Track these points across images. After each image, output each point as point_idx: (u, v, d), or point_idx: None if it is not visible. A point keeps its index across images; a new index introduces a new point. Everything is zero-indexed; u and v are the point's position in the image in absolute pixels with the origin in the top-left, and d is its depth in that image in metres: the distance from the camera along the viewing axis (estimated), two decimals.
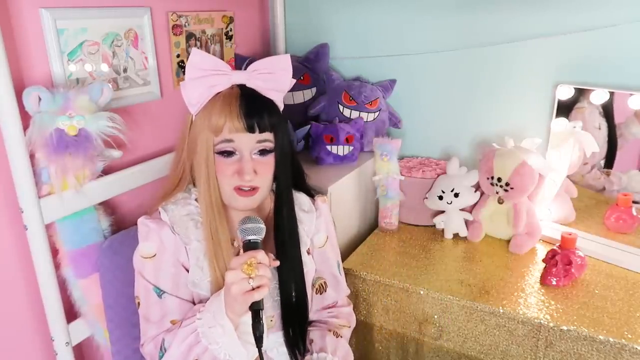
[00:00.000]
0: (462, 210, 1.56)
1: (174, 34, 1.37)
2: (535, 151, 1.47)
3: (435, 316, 1.32)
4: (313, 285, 1.12)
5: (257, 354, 0.89)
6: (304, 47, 1.82)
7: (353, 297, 1.39)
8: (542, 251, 1.46)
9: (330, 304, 1.15)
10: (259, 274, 0.84)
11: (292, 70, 0.98)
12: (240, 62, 1.52)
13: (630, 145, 1.44)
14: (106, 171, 1.17)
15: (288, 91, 1.01)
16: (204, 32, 1.48)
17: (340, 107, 1.70)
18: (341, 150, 1.59)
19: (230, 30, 1.58)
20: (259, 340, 0.85)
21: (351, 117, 1.68)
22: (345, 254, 1.48)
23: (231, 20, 1.57)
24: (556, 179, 1.51)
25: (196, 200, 1.00)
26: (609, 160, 1.48)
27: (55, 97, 1.02)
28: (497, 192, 1.48)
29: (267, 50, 1.81)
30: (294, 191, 1.07)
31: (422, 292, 1.32)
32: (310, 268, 1.08)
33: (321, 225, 1.12)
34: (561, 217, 1.54)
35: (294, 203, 1.04)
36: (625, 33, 1.38)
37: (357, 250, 1.53)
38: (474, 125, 1.68)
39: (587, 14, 1.42)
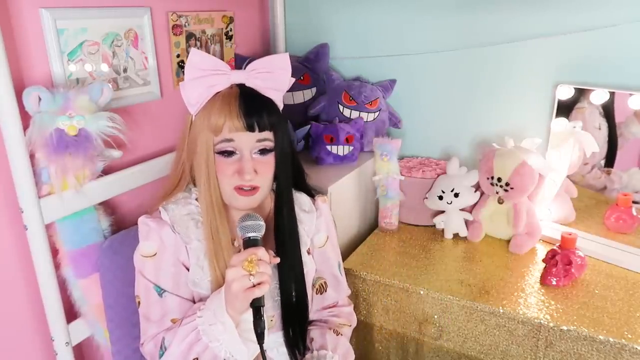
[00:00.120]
0: (462, 210, 1.56)
1: (174, 34, 1.37)
2: (535, 151, 1.47)
3: (435, 316, 1.32)
4: (313, 285, 1.12)
5: (257, 352, 0.89)
6: (304, 47, 1.82)
7: (353, 297, 1.39)
8: (542, 251, 1.46)
9: (331, 304, 1.15)
10: (260, 270, 0.85)
11: (291, 69, 0.98)
12: (240, 62, 1.52)
13: (630, 145, 1.45)
14: (106, 171, 1.17)
15: (288, 91, 1.02)
16: (204, 32, 1.48)
17: (340, 107, 1.70)
18: (341, 150, 1.59)
19: (230, 30, 1.58)
20: (260, 337, 0.85)
21: (351, 117, 1.68)
22: (345, 254, 1.48)
23: (231, 20, 1.57)
24: (556, 179, 1.51)
25: (196, 199, 1.00)
26: (609, 160, 1.48)
27: (55, 97, 1.02)
28: (497, 192, 1.48)
29: (267, 50, 1.81)
30: (294, 191, 1.07)
31: (422, 292, 1.32)
32: (310, 268, 1.08)
33: (321, 225, 1.12)
34: (561, 217, 1.54)
35: (294, 203, 1.05)
36: (625, 33, 1.38)
37: (357, 250, 1.53)
38: (474, 125, 1.68)
39: (587, 14, 1.42)
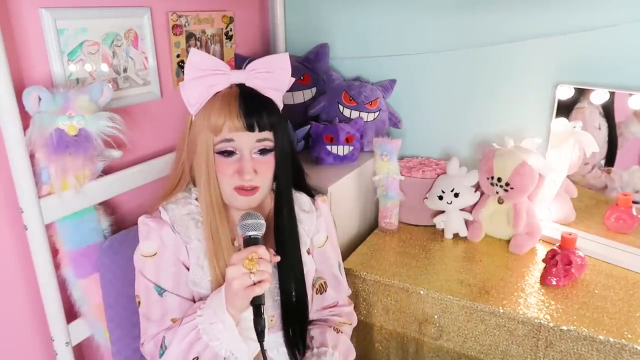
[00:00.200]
0: (462, 210, 1.56)
1: (174, 34, 1.37)
2: (535, 151, 1.47)
3: (435, 316, 1.32)
4: (313, 285, 1.12)
5: (257, 350, 0.89)
6: (304, 47, 1.82)
7: (353, 297, 1.39)
8: (542, 251, 1.46)
9: (331, 304, 1.15)
10: (260, 268, 0.85)
11: (290, 69, 0.98)
12: (241, 62, 1.52)
13: (630, 145, 1.45)
14: (106, 171, 1.17)
15: (288, 91, 1.02)
16: (204, 32, 1.48)
17: (340, 107, 1.70)
18: (341, 150, 1.59)
19: (230, 30, 1.58)
20: (260, 335, 0.86)
21: (351, 117, 1.68)
22: (345, 254, 1.48)
23: (231, 20, 1.57)
24: (556, 179, 1.51)
25: (196, 199, 1.00)
26: (609, 160, 1.48)
27: (55, 97, 1.02)
28: (497, 192, 1.48)
29: (267, 50, 1.81)
30: (294, 191, 1.07)
31: (422, 292, 1.32)
32: (310, 268, 1.08)
33: (321, 225, 1.12)
34: (561, 217, 1.54)
35: (293, 203, 1.05)
36: (625, 33, 1.38)
37: (357, 250, 1.53)
38: (474, 125, 1.68)
39: (587, 14, 1.42)
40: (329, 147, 1.59)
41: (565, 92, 1.46)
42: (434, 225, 1.61)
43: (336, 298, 1.15)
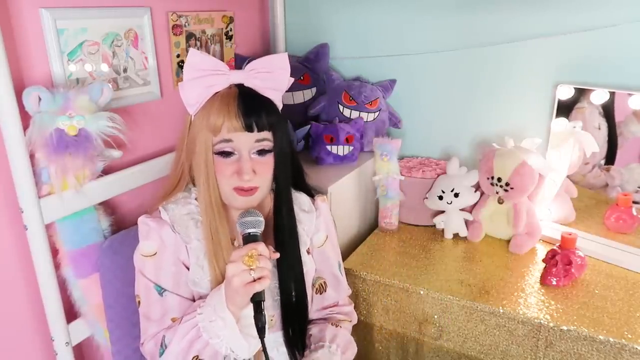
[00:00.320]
0: (462, 210, 1.56)
1: (174, 34, 1.37)
2: (535, 151, 1.47)
3: (435, 316, 1.32)
4: (313, 285, 1.12)
5: (258, 347, 0.89)
6: (304, 47, 1.82)
7: (353, 297, 1.39)
8: (542, 251, 1.46)
9: (331, 304, 1.15)
10: (260, 265, 0.85)
11: (290, 69, 0.98)
12: (240, 62, 1.52)
13: (630, 144, 1.44)
14: (106, 171, 1.17)
15: (288, 91, 1.01)
16: (204, 32, 1.48)
17: (340, 107, 1.70)
18: (341, 150, 1.59)
19: (230, 30, 1.58)
20: (261, 331, 0.86)
21: (351, 117, 1.68)
22: (345, 254, 1.48)
23: (231, 20, 1.57)
24: (556, 179, 1.51)
25: (196, 199, 1.00)
26: (609, 160, 1.48)
27: (55, 97, 1.02)
28: (497, 192, 1.48)
29: (267, 50, 1.81)
30: (294, 191, 1.07)
31: (422, 292, 1.32)
32: (310, 268, 1.08)
33: (321, 224, 1.12)
34: (561, 217, 1.54)
35: (293, 202, 1.05)
36: (625, 33, 1.38)
37: (357, 250, 1.53)
38: (474, 125, 1.68)
39: (587, 14, 1.42)
40: (329, 147, 1.59)
41: (565, 92, 1.46)
42: (434, 225, 1.61)
43: (336, 298, 1.15)
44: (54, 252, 1.10)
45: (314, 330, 1.09)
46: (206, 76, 0.93)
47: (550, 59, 1.50)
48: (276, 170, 0.98)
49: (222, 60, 1.56)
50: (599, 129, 1.46)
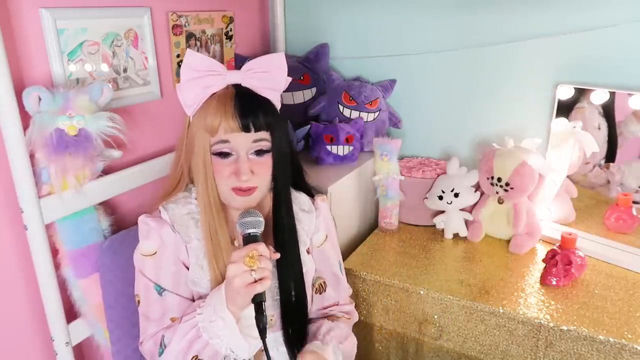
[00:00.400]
0: (462, 210, 1.56)
1: (174, 34, 1.37)
2: (535, 151, 1.47)
3: (435, 316, 1.32)
4: (313, 285, 1.12)
5: (258, 347, 0.89)
6: (304, 47, 1.82)
7: (353, 297, 1.38)
8: (542, 251, 1.46)
9: (332, 304, 1.15)
10: (261, 266, 0.85)
11: (287, 68, 0.98)
12: (241, 62, 1.52)
13: (629, 144, 1.44)
14: (106, 171, 1.17)
15: (288, 91, 1.02)
16: (204, 32, 1.48)
17: (340, 107, 1.70)
18: (341, 150, 1.59)
19: (230, 30, 1.58)
20: (262, 332, 0.86)
21: (351, 117, 1.68)
22: (345, 254, 1.48)
23: (231, 20, 1.57)
24: (556, 179, 1.51)
25: (196, 199, 1.00)
26: (610, 159, 1.48)
27: (55, 97, 1.02)
28: (497, 192, 1.48)
29: (267, 50, 1.81)
30: (294, 191, 1.07)
31: (422, 292, 1.32)
32: (309, 267, 1.08)
33: (320, 224, 1.12)
34: (561, 217, 1.54)
35: (292, 202, 1.05)
36: (625, 33, 1.38)
37: (357, 250, 1.53)
38: (474, 125, 1.68)
39: (587, 14, 1.42)
40: (329, 147, 1.59)
41: (565, 92, 1.46)
42: (434, 225, 1.61)
43: (336, 298, 1.15)
44: (54, 252, 1.10)
45: (312, 328, 1.09)
46: (203, 77, 0.93)
47: (550, 59, 1.50)
48: (275, 170, 0.98)
49: (222, 60, 1.56)
50: (599, 128, 1.46)
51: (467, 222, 1.57)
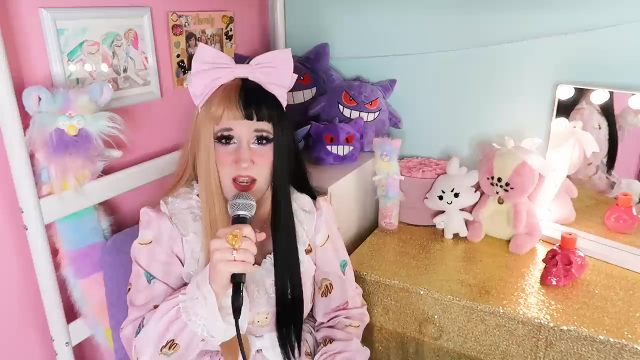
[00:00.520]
0: (462, 210, 1.56)
1: (174, 34, 1.37)
2: (535, 151, 1.47)
3: (435, 316, 1.32)
4: (319, 287, 1.12)
5: (234, 333, 0.87)
6: (304, 47, 1.82)
7: None
8: (542, 251, 1.46)
9: (340, 306, 1.15)
10: (243, 246, 0.84)
11: (293, 64, 1.00)
12: (241, 62, 1.51)
13: (630, 138, 1.44)
14: (106, 171, 1.17)
15: (288, 91, 1.02)
16: (204, 32, 1.48)
17: (340, 107, 1.70)
18: (341, 150, 1.59)
19: (230, 30, 1.58)
20: (236, 312, 0.84)
21: (351, 117, 1.68)
22: None
23: (231, 20, 1.57)
24: (556, 179, 1.51)
25: (198, 195, 1.01)
26: (611, 159, 1.48)
27: (55, 97, 1.02)
28: (497, 192, 1.48)
29: (267, 50, 1.80)
30: (296, 191, 1.08)
31: (422, 292, 1.32)
32: (307, 267, 1.08)
33: (322, 224, 1.12)
34: (561, 217, 1.54)
35: (291, 200, 1.05)
36: (625, 33, 1.38)
37: (357, 250, 1.53)
38: (474, 125, 1.68)
39: (587, 14, 1.42)
40: (329, 147, 1.59)
41: (565, 92, 1.46)
42: (434, 225, 1.61)
43: (343, 299, 1.15)
44: (54, 252, 1.10)
45: (319, 336, 1.10)
46: (212, 69, 0.96)
47: (550, 59, 1.50)
48: (274, 163, 0.99)
49: None
50: (599, 128, 1.46)
51: (467, 222, 1.57)
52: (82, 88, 1.08)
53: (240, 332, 0.86)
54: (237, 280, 0.85)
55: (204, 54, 0.97)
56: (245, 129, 0.95)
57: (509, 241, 1.51)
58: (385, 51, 1.76)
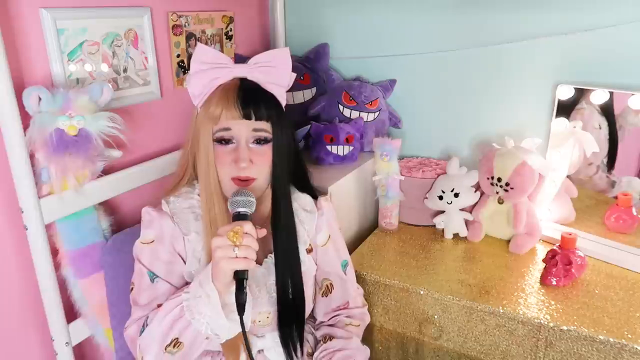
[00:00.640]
0: (462, 210, 1.56)
1: (174, 34, 1.37)
2: (535, 151, 1.47)
3: (435, 316, 1.32)
4: (320, 287, 1.12)
5: (238, 330, 0.87)
6: (304, 47, 1.82)
7: None
8: (542, 251, 1.46)
9: (340, 306, 1.15)
10: (244, 243, 0.84)
11: (291, 63, 1.00)
12: (240, 62, 1.51)
13: (630, 137, 1.44)
14: (106, 171, 1.17)
15: (288, 91, 1.02)
16: (204, 32, 1.48)
17: (340, 107, 1.70)
18: (341, 150, 1.59)
19: (230, 30, 1.58)
20: (241, 308, 0.84)
21: (351, 117, 1.68)
22: None
23: (231, 20, 1.57)
24: (556, 179, 1.51)
25: (199, 195, 1.01)
26: (611, 159, 1.48)
27: (55, 97, 1.02)
28: (497, 192, 1.48)
29: (267, 50, 1.81)
30: (297, 191, 1.08)
31: (422, 292, 1.32)
32: (309, 267, 1.08)
33: (323, 224, 1.12)
34: (561, 217, 1.54)
35: (291, 199, 1.05)
36: (625, 33, 1.38)
37: (357, 250, 1.53)
38: (474, 125, 1.68)
39: (587, 14, 1.42)
40: (329, 147, 1.59)
41: (565, 92, 1.46)
42: (434, 225, 1.61)
43: (344, 299, 1.15)
44: (54, 252, 1.10)
45: (319, 334, 1.09)
46: (211, 69, 0.96)
47: (550, 59, 1.50)
48: (274, 163, 0.98)
49: None
50: (599, 128, 1.47)
51: (467, 222, 1.57)
52: (82, 88, 1.08)
53: (245, 329, 0.86)
54: (240, 277, 0.85)
55: (203, 54, 0.97)
56: (243, 129, 0.95)
57: (509, 241, 1.51)
58: (385, 51, 1.76)
